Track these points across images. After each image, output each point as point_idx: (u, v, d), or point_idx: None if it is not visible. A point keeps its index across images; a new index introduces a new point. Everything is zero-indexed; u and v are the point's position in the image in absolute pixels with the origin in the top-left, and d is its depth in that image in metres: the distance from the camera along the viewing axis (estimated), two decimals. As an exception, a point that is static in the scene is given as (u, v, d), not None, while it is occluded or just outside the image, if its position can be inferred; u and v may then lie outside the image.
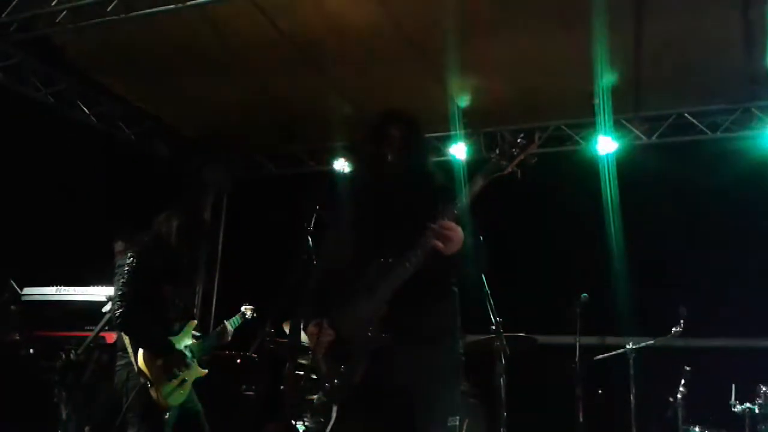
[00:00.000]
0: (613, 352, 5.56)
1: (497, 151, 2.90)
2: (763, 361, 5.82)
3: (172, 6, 5.43)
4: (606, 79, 6.09)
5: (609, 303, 6.13)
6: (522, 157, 2.87)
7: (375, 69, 6.35)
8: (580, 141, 7.26)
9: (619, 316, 6.11)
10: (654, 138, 7.04)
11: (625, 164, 6.78)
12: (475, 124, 7.30)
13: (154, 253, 4.21)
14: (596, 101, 6.37)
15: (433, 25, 5.61)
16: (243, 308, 5.33)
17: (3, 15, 5.77)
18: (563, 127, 7.31)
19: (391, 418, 2.88)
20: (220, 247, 8.74)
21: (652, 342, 5.45)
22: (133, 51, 6.23)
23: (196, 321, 4.64)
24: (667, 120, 6.96)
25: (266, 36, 5.93)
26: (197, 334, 4.60)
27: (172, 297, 4.35)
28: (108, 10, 5.57)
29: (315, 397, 5.07)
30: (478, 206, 2.90)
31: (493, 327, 4.80)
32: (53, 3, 5.69)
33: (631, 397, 5.36)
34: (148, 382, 4.01)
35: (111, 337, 4.31)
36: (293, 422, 5.08)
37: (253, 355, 5.87)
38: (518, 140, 2.89)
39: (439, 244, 2.77)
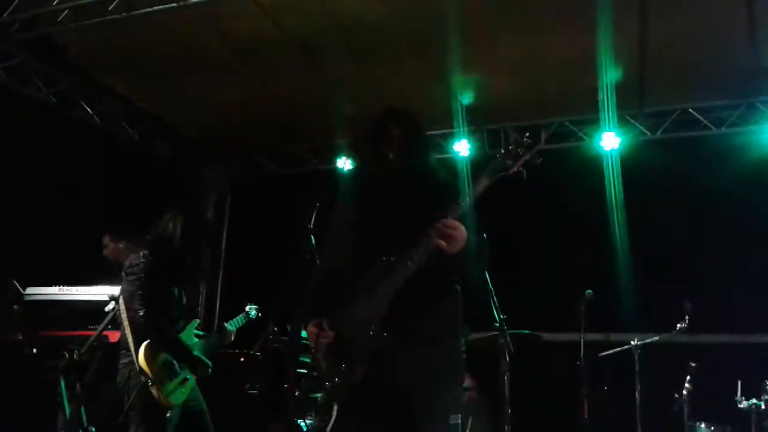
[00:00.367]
0: (618, 349, 5.53)
1: (502, 150, 2.88)
2: (769, 356, 5.80)
3: (173, 4, 5.43)
4: (610, 74, 6.06)
5: (614, 299, 6.10)
6: (528, 156, 2.84)
7: (377, 67, 6.34)
8: (584, 137, 7.24)
9: (623, 312, 6.09)
10: (658, 134, 7.02)
11: (629, 160, 6.76)
12: (478, 121, 7.27)
13: (163, 252, 4.22)
14: (600, 97, 6.34)
15: (435, 22, 5.59)
16: (247, 308, 5.32)
17: (5, 15, 5.77)
18: (567, 123, 7.29)
19: (392, 417, 2.87)
20: (223, 246, 8.74)
21: (657, 338, 5.43)
22: (134, 50, 6.23)
23: (199, 320, 4.64)
24: (671, 115, 6.93)
25: (268, 35, 5.92)
26: (200, 332, 4.59)
27: (179, 295, 4.36)
28: (109, 9, 5.57)
29: (319, 395, 5.06)
30: (482, 203, 2.88)
31: (497, 324, 4.78)
32: (55, 2, 5.68)
33: (637, 394, 5.34)
34: (149, 381, 4.01)
35: (114, 336, 4.31)
36: (296, 421, 5.08)
37: (256, 353, 5.86)
38: (524, 139, 2.87)
39: (442, 243, 2.75)
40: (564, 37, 5.74)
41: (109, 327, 4.14)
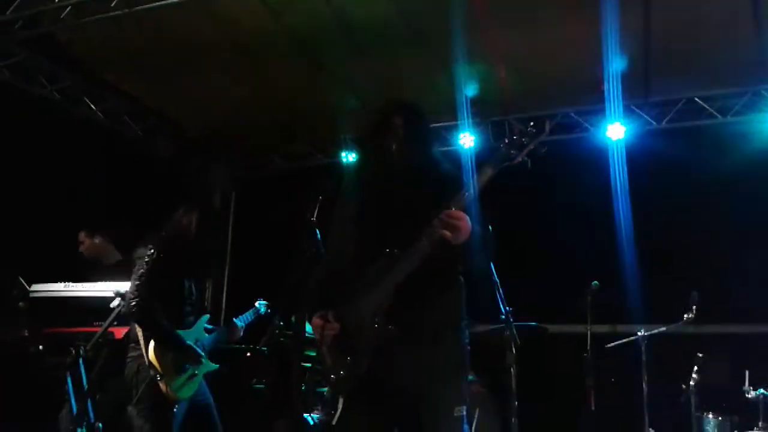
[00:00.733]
0: (625, 340, 5.52)
1: (507, 140, 2.87)
2: (777, 346, 5.78)
3: (175, 0, 5.41)
4: (615, 64, 6.02)
5: (620, 290, 6.09)
6: (532, 146, 2.83)
7: (381, 59, 6.31)
8: (590, 128, 7.21)
9: (630, 303, 6.07)
10: (664, 123, 6.98)
11: (634, 150, 6.73)
12: (482, 113, 7.25)
13: (174, 246, 4.22)
14: (605, 87, 6.31)
15: (439, 14, 5.56)
16: (257, 304, 5.32)
17: (7, 12, 5.76)
18: (572, 114, 7.26)
19: (397, 410, 2.88)
20: (229, 242, 8.75)
21: (664, 329, 5.41)
22: (137, 47, 6.22)
23: (208, 315, 4.65)
24: (676, 104, 6.89)
25: (270, 30, 5.91)
26: (209, 327, 4.60)
27: (189, 289, 4.37)
28: (111, 6, 5.56)
29: (325, 389, 5.07)
30: (487, 195, 2.87)
31: (503, 317, 4.77)
32: (57, 0, 5.68)
33: (644, 385, 5.32)
34: (158, 375, 4.01)
35: (119, 332, 4.32)
36: (303, 415, 5.09)
37: (262, 348, 5.86)
38: (528, 129, 2.85)
39: (447, 234, 2.74)
40: (568, 27, 5.71)
41: (115, 323, 4.15)
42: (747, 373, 5.18)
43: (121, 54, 6.41)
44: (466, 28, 5.61)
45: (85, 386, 4.19)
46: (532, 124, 2.87)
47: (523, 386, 4.69)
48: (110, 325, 4.14)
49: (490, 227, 2.98)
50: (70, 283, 4.51)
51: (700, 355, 5.27)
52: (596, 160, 6.76)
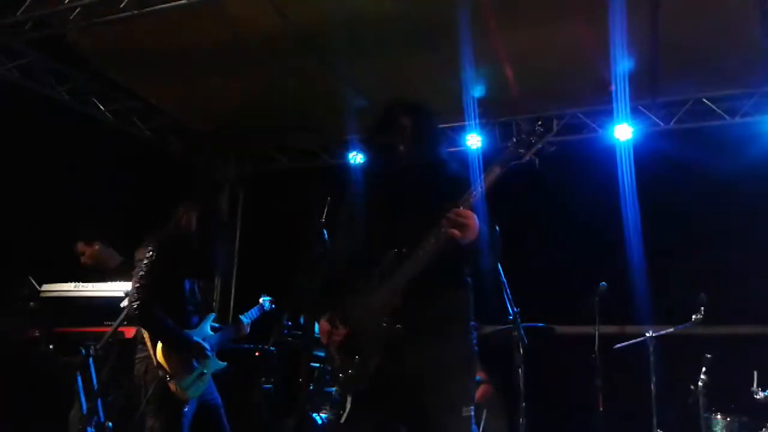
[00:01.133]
0: (633, 341, 5.51)
1: (515, 139, 2.87)
2: (786, 347, 5.76)
3: (184, 1, 5.43)
4: (622, 65, 6.02)
5: (628, 291, 6.08)
6: (540, 145, 2.83)
7: (389, 60, 6.33)
8: (597, 128, 7.20)
9: (638, 304, 6.06)
10: (672, 124, 6.96)
11: (642, 151, 6.71)
12: (489, 113, 7.25)
13: (173, 246, 4.22)
14: (613, 88, 6.30)
15: (446, 14, 5.57)
16: (261, 299, 5.33)
17: (17, 14, 5.79)
18: (580, 114, 7.25)
19: (406, 408, 2.88)
20: (237, 240, 8.77)
21: (672, 330, 5.41)
22: (145, 47, 6.24)
23: (215, 313, 4.66)
24: (684, 105, 6.87)
25: (278, 29, 5.92)
26: (216, 325, 4.61)
27: (191, 289, 4.37)
28: (121, 6, 5.58)
29: (334, 389, 5.08)
30: (495, 195, 2.88)
31: (511, 317, 4.78)
32: (66, 1, 5.70)
33: (652, 386, 5.32)
34: (167, 375, 4.02)
35: (130, 332, 4.33)
36: (311, 415, 5.10)
37: (270, 348, 5.88)
38: (536, 128, 2.86)
39: (456, 232, 2.74)
40: (576, 27, 5.70)
41: (125, 323, 4.16)
42: (755, 373, 5.16)
43: (130, 54, 6.44)
44: (473, 28, 5.61)
45: (95, 386, 4.21)
46: (540, 123, 2.87)
47: (531, 387, 4.69)
48: (120, 324, 4.15)
49: (497, 228, 2.99)
50: (80, 283, 4.53)
51: (709, 356, 5.26)
52: (604, 160, 6.75)
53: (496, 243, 2.98)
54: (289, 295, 5.27)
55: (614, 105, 6.48)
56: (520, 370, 4.71)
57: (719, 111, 6.77)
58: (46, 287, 4.56)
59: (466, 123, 7.20)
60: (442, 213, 2.78)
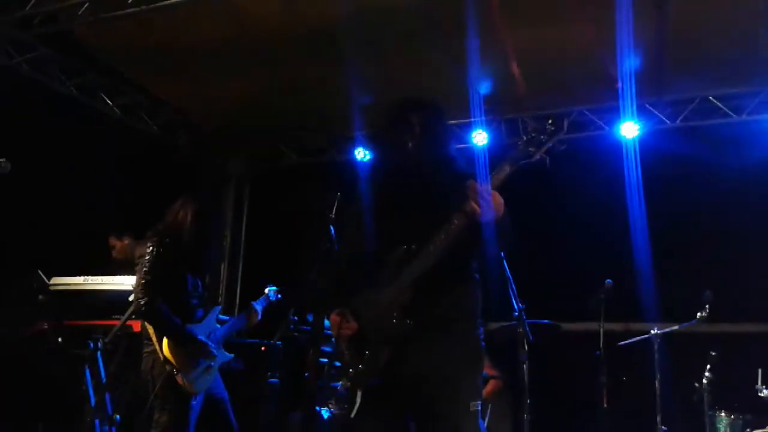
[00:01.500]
0: (638, 338, 5.53)
1: (525, 138, 2.88)
2: (790, 346, 5.77)
3: (192, -4, 5.46)
4: (629, 62, 6.01)
5: (633, 289, 6.09)
6: (550, 143, 2.84)
7: (396, 56, 6.34)
8: (604, 126, 7.20)
9: (643, 301, 6.07)
10: (678, 122, 6.96)
11: (648, 148, 6.72)
12: (496, 110, 7.25)
13: (172, 241, 4.22)
14: (619, 85, 6.30)
15: (453, 11, 5.58)
16: (267, 290, 5.33)
17: (26, 8, 5.82)
18: (586, 112, 7.25)
19: (414, 403, 2.90)
20: (243, 235, 8.80)
21: (677, 327, 5.42)
22: (154, 42, 6.26)
23: (220, 307, 4.66)
24: (691, 103, 6.87)
25: (286, 24, 5.94)
26: (224, 317, 4.62)
27: (194, 283, 4.38)
28: (129, 2, 5.61)
29: (340, 384, 5.11)
30: (502, 191, 2.88)
31: (516, 314, 4.80)
32: (75, -5, 5.74)
33: (656, 383, 5.33)
34: (174, 369, 4.05)
35: (138, 325, 4.36)
36: (318, 409, 5.13)
37: (277, 342, 5.90)
38: (546, 126, 2.86)
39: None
40: (582, 24, 5.70)
41: (133, 316, 4.19)
42: (760, 372, 5.17)
43: (138, 49, 6.46)
44: (480, 25, 5.61)
45: (104, 379, 4.24)
46: (550, 121, 2.87)
47: (536, 383, 4.71)
48: (129, 318, 4.18)
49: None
50: (90, 277, 4.56)
51: (713, 353, 5.27)
52: (610, 158, 6.76)
53: (506, 237, 2.95)
54: (296, 290, 5.29)
55: (620, 102, 6.47)
56: (525, 366, 4.73)
57: (726, 109, 6.77)
58: (54, 280, 4.59)
59: (472, 120, 7.21)
60: (449, 211, 2.79)
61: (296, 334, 5.57)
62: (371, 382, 2.89)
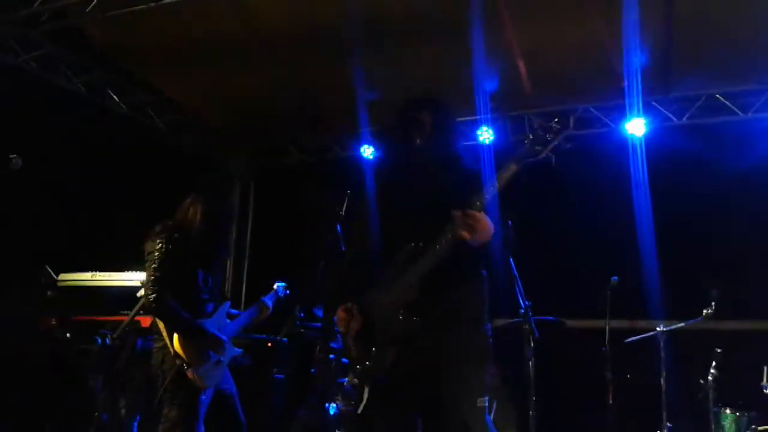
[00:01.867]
0: (644, 335, 5.53)
1: (531, 136, 2.89)
2: (796, 343, 5.76)
3: (199, -6, 5.47)
4: (635, 59, 6.01)
5: (639, 286, 6.09)
6: (556, 142, 2.85)
7: (401, 53, 6.34)
8: (610, 123, 7.20)
9: (649, 299, 6.07)
10: (684, 119, 6.95)
11: (655, 146, 6.71)
12: (501, 107, 7.25)
13: (181, 237, 4.24)
14: (626, 83, 6.30)
15: (458, 8, 5.58)
16: (275, 285, 5.34)
17: (34, 5, 5.84)
18: (592, 109, 7.24)
19: (421, 399, 2.92)
20: (249, 232, 8.82)
21: (682, 325, 5.42)
22: (161, 40, 6.28)
23: (229, 302, 4.68)
24: (697, 101, 6.87)
25: (291, 22, 5.95)
26: (234, 312, 4.62)
27: (205, 278, 4.40)
28: (136, -1, 5.63)
29: (346, 380, 5.12)
30: (508, 190, 2.89)
31: (522, 311, 4.80)
32: (82, -8, 5.75)
33: (662, 380, 5.34)
34: (184, 364, 4.06)
35: (146, 321, 4.38)
36: (325, 405, 5.14)
37: (283, 339, 5.92)
38: (552, 124, 2.87)
39: (466, 234, 2.76)
40: (589, 21, 5.70)
41: (141, 312, 4.21)
42: (765, 369, 5.17)
43: (145, 47, 6.47)
44: (485, 22, 5.62)
45: (111, 374, 4.26)
46: (556, 120, 2.88)
47: (542, 380, 4.72)
48: (137, 313, 4.20)
49: (509, 223, 3.00)
50: (98, 273, 4.58)
51: (719, 350, 5.27)
52: (616, 155, 6.75)
53: (509, 240, 2.99)
54: (302, 286, 5.30)
55: (627, 100, 6.47)
56: (530, 363, 4.73)
57: (732, 107, 6.76)
58: (63, 276, 4.62)
59: (478, 117, 7.21)
60: (456, 210, 2.80)
61: (303, 330, 5.58)
62: (379, 379, 2.91)
